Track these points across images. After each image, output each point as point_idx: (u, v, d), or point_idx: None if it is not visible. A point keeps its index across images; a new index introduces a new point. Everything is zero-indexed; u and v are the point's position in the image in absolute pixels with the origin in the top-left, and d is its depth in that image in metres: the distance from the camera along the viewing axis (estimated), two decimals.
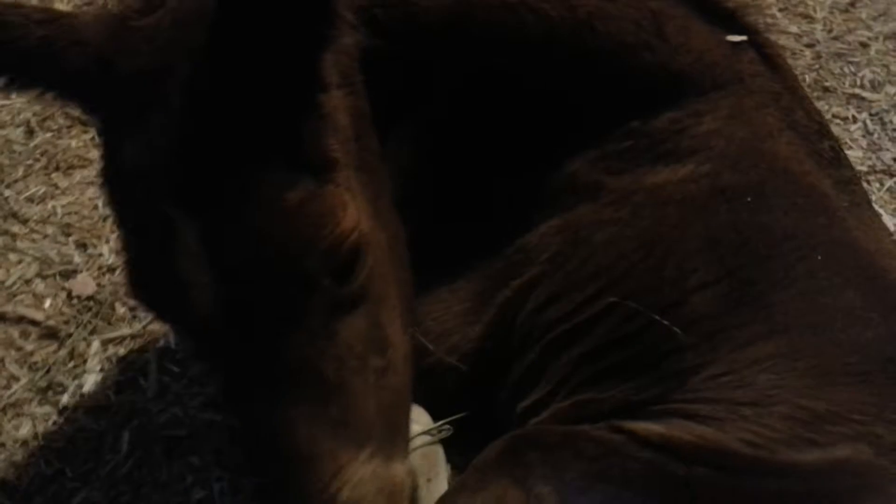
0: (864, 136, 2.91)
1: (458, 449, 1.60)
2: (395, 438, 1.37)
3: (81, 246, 2.45)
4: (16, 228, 2.50)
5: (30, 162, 2.72)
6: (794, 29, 3.39)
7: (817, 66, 3.22)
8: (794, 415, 1.32)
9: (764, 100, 1.66)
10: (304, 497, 1.22)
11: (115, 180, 1.32)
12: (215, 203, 1.19)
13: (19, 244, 2.44)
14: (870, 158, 2.81)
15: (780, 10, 3.50)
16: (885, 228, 1.74)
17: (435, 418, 1.63)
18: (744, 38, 1.69)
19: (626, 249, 1.53)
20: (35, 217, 2.54)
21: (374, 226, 1.36)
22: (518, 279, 1.65)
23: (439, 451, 1.82)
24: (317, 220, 1.21)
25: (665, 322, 1.42)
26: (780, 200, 1.54)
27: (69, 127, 2.86)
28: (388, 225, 1.45)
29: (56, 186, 2.66)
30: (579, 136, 1.65)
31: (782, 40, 3.26)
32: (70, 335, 2.21)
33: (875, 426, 1.30)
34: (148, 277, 1.29)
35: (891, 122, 2.91)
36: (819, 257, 1.47)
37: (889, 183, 2.69)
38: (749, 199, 1.52)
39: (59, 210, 2.56)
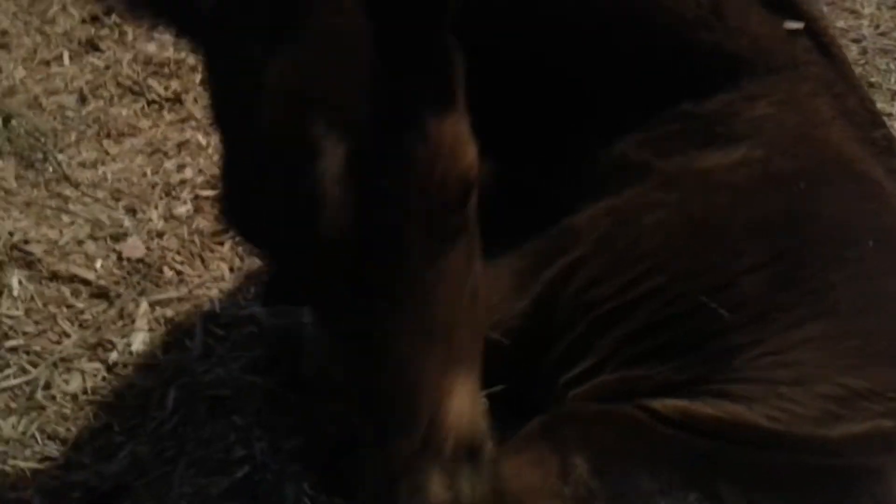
0: None
1: (495, 423, 1.64)
2: (478, 359, 1.40)
3: (131, 211, 2.52)
4: (68, 192, 2.57)
5: (82, 128, 2.80)
6: (840, 24, 3.38)
7: (863, 62, 3.21)
8: (831, 393, 1.36)
9: (817, 87, 1.67)
10: (411, 419, 1.25)
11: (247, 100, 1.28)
12: (368, 129, 1.20)
13: (71, 207, 2.51)
14: None
15: (828, 4, 3.48)
16: None
17: None
18: (800, 25, 1.69)
19: (675, 232, 1.56)
20: (86, 181, 2.61)
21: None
22: (565, 257, 1.68)
23: None
24: (454, 149, 1.25)
25: (712, 304, 1.45)
26: (831, 187, 1.56)
27: (121, 96, 2.93)
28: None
29: (107, 153, 2.73)
30: (630, 116, 1.67)
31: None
32: (119, 295, 2.28)
33: None
34: (262, 198, 1.27)
35: None
36: (870, 243, 1.49)
37: None
38: (801, 184, 1.54)
39: (109, 176, 2.63)
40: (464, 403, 1.29)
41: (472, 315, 1.36)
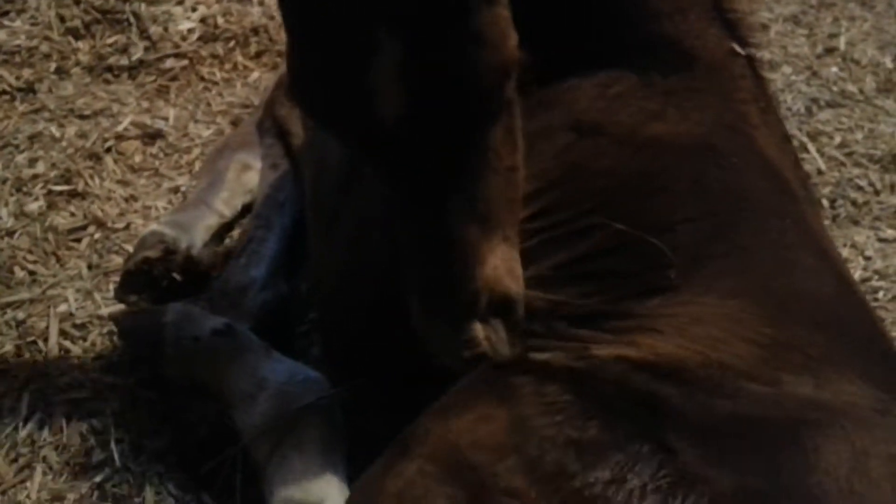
0: None
1: None
2: (515, 230, 1.59)
3: None
4: None
5: None
6: None
7: None
8: (756, 339, 1.45)
9: (748, 97, 1.88)
10: (457, 276, 1.46)
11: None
12: (422, 26, 1.37)
13: None
14: None
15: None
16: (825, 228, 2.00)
17: None
18: (745, 52, 1.91)
19: (623, 179, 1.69)
20: None
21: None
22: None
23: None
24: (499, 39, 1.42)
25: (651, 239, 1.56)
26: (758, 172, 1.74)
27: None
28: None
29: None
30: (587, 87, 1.80)
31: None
32: None
33: (822, 364, 1.44)
34: (327, 86, 1.46)
35: (784, 101, 3.06)
36: (787, 221, 1.67)
37: None
38: (734, 160, 1.71)
39: None
40: (499, 266, 1.50)
41: (509, 187, 1.55)
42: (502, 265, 1.51)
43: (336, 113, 1.50)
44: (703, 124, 1.78)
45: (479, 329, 1.47)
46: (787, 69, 3.25)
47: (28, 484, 1.90)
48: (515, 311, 1.53)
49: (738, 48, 1.93)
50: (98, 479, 1.88)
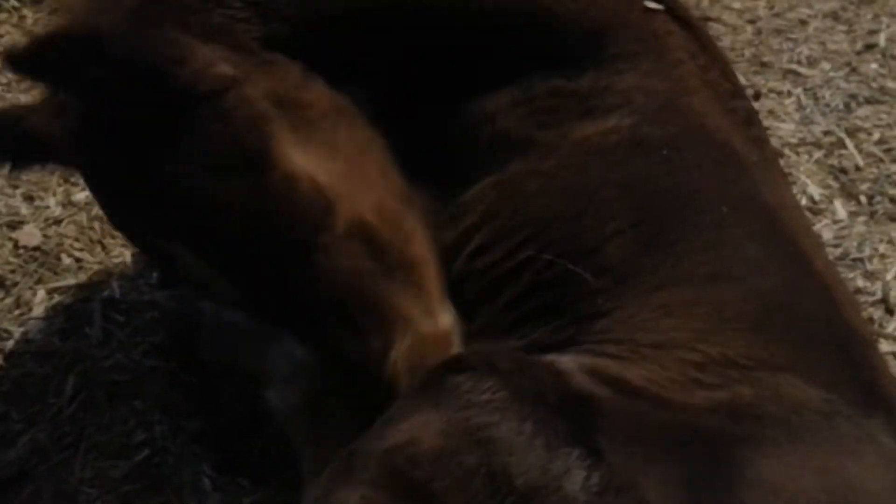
0: (797, 111, 3.02)
1: None
2: (430, 303, 1.55)
3: (28, 198, 2.48)
4: None
5: None
6: (737, 5, 3.49)
7: (757, 42, 3.33)
8: (689, 358, 1.41)
9: (680, 56, 1.74)
10: (368, 385, 1.45)
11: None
12: (192, 228, 1.43)
13: None
14: (801, 131, 2.93)
15: None
16: (789, 185, 1.85)
17: None
18: (660, 6, 1.77)
19: (553, 199, 1.62)
20: None
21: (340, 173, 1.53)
22: (454, 230, 1.73)
23: None
24: (276, 198, 1.43)
25: (575, 268, 1.51)
26: (692, 154, 1.63)
27: (18, 81, 2.87)
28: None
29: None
30: (508, 93, 1.72)
31: (725, 16, 3.36)
32: (16, 284, 2.26)
33: (760, 371, 1.39)
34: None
35: (823, 97, 3.03)
36: (725, 209, 1.56)
37: (817, 155, 2.82)
38: (664, 151, 1.61)
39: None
40: (407, 350, 1.47)
41: (397, 278, 1.52)
42: (419, 345, 1.50)
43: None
44: (630, 113, 1.66)
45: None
46: (825, 65, 3.22)
47: (73, 462, 1.96)
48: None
49: (651, 3, 1.78)
50: (138, 458, 1.94)
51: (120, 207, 1.59)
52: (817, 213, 2.59)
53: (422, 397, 1.36)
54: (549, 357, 1.43)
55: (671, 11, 1.80)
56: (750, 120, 1.81)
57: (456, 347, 1.54)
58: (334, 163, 1.51)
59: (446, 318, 1.56)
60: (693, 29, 1.82)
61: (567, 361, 1.40)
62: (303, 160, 1.46)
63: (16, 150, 1.54)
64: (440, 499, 1.22)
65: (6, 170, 2.44)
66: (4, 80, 2.87)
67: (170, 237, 1.46)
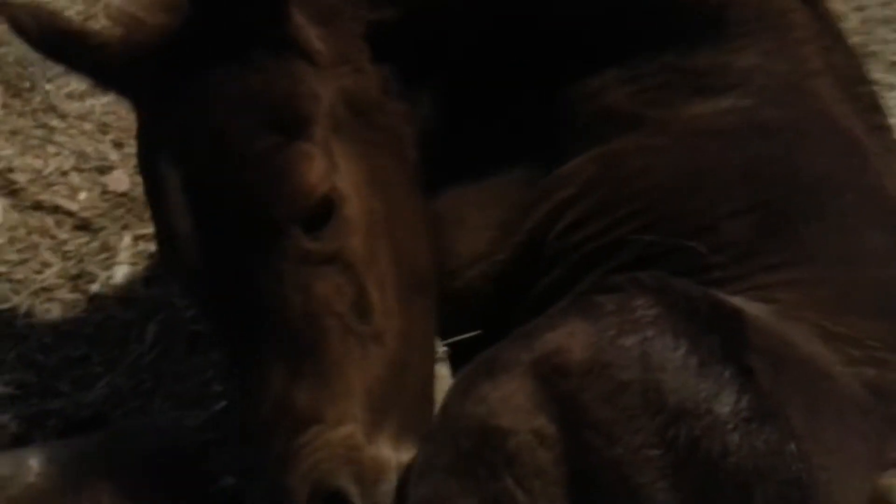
0: None
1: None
2: (384, 420, 1.35)
3: (118, 145, 2.50)
4: (55, 122, 2.55)
5: None
6: None
7: (864, 31, 3.18)
8: (813, 332, 1.38)
9: (805, 36, 1.67)
10: (272, 461, 1.26)
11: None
12: (196, 158, 1.36)
13: (57, 137, 2.50)
14: None
15: None
16: None
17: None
18: None
19: (661, 175, 1.57)
20: (73, 113, 2.59)
21: (365, 192, 1.45)
22: (549, 202, 1.70)
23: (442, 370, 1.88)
24: (280, 170, 1.33)
25: (691, 244, 1.46)
26: (816, 140, 1.57)
27: (110, 27, 2.88)
28: (392, 197, 1.52)
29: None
30: (615, 70, 1.67)
31: (831, 2, 3.21)
32: (103, 228, 2.28)
33: (887, 353, 1.37)
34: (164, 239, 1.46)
35: None
36: (849, 197, 1.53)
37: None
38: (787, 135, 1.56)
39: (97, 108, 2.61)
40: (336, 450, 1.27)
41: (369, 353, 1.36)
42: (345, 453, 1.28)
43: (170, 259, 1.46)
44: (749, 93, 1.61)
45: None
46: None
47: (149, 409, 1.98)
48: None
49: None
50: (215, 409, 1.94)
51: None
52: None
53: (569, 312, 1.32)
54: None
55: None
56: (874, 107, 1.73)
57: (381, 484, 1.33)
58: (359, 177, 1.45)
59: (385, 447, 1.36)
60: (817, 8, 1.73)
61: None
62: (329, 155, 1.41)
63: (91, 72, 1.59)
64: (587, 409, 1.19)
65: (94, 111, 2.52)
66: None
67: (171, 156, 1.41)
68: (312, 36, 1.47)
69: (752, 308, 1.36)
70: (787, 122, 1.58)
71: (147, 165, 1.46)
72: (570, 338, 1.25)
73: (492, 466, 1.21)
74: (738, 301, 1.34)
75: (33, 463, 1.64)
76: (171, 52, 1.42)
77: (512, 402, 1.24)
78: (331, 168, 1.39)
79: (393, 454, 1.35)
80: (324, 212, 1.36)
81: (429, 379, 1.51)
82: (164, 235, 1.43)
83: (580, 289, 1.46)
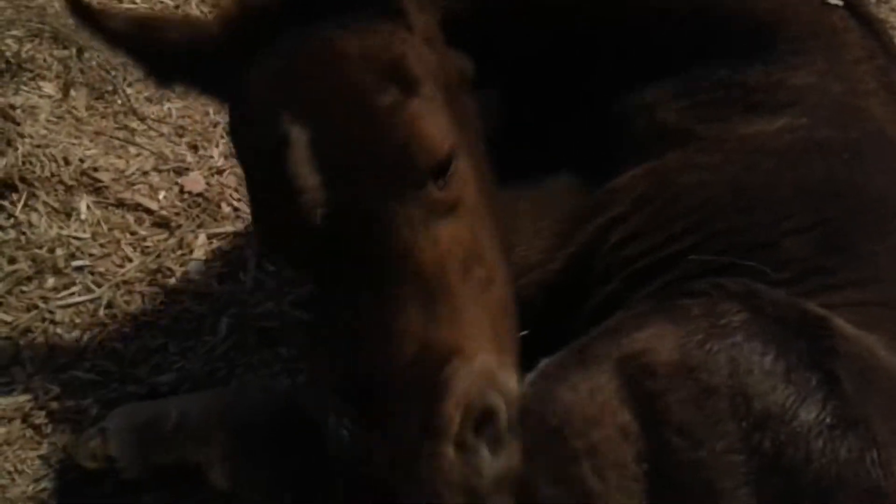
0: None
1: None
2: (504, 352, 1.41)
3: (193, 147, 2.63)
4: (134, 124, 2.69)
5: None
6: None
7: None
8: (890, 345, 1.37)
9: (859, 55, 1.68)
10: (417, 381, 1.28)
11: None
12: (322, 114, 1.37)
13: (137, 139, 2.63)
14: None
15: None
16: None
17: None
18: (839, 1, 1.71)
19: (716, 192, 1.59)
20: (152, 116, 2.73)
21: (462, 145, 1.50)
22: (602, 217, 1.73)
23: None
24: (406, 123, 1.37)
25: (753, 263, 1.47)
26: (873, 160, 1.58)
27: None
28: (475, 155, 1.57)
29: (171, 90, 2.84)
30: (669, 84, 1.71)
31: (892, 18, 3.23)
32: (180, 226, 2.41)
33: None
34: (266, 205, 1.46)
35: None
36: None
37: None
38: (844, 155, 1.57)
39: (174, 112, 2.74)
40: (471, 373, 1.30)
41: (487, 295, 1.42)
42: (485, 378, 1.33)
43: (281, 232, 1.46)
44: (804, 112, 1.61)
45: (448, 454, 1.25)
46: None
47: None
48: (499, 424, 1.31)
49: (830, 1, 1.69)
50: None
51: None
52: None
53: (655, 314, 1.35)
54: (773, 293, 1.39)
55: (850, 7, 1.73)
56: None
57: (513, 407, 1.37)
58: (461, 139, 1.50)
59: (514, 376, 1.43)
60: (873, 27, 1.75)
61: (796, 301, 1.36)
62: (444, 111, 1.47)
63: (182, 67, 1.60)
64: (672, 411, 1.21)
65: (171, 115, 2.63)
66: None
67: (298, 117, 1.40)
68: (414, 9, 1.52)
69: (835, 317, 1.36)
70: (843, 141, 1.59)
71: (259, 128, 1.44)
72: (658, 339, 1.27)
73: (573, 451, 1.24)
74: (822, 310, 1.34)
75: (172, 412, 1.82)
76: (287, 13, 1.44)
77: (600, 394, 1.27)
78: (448, 122, 1.46)
79: (517, 383, 1.41)
80: (447, 162, 1.41)
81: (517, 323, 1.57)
82: (281, 196, 1.40)
83: (638, 299, 1.48)
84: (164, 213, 2.43)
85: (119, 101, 2.75)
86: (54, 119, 2.62)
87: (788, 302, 1.33)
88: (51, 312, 2.23)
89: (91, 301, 2.26)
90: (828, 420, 1.19)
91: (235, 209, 2.46)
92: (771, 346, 1.24)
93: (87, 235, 2.37)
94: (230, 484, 1.80)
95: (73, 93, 2.70)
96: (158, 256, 2.34)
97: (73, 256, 2.33)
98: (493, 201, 1.59)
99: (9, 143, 2.45)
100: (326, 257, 1.40)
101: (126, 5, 2.97)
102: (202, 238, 2.38)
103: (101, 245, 2.36)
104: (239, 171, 2.55)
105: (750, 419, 1.19)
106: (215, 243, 2.38)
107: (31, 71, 2.70)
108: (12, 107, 2.57)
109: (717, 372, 1.22)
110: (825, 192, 1.55)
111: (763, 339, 1.25)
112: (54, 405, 2.06)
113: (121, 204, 2.44)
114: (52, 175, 2.45)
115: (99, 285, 2.29)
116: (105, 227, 2.39)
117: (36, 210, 2.39)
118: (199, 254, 2.35)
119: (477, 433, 1.28)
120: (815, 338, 1.27)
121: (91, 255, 2.34)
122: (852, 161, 1.58)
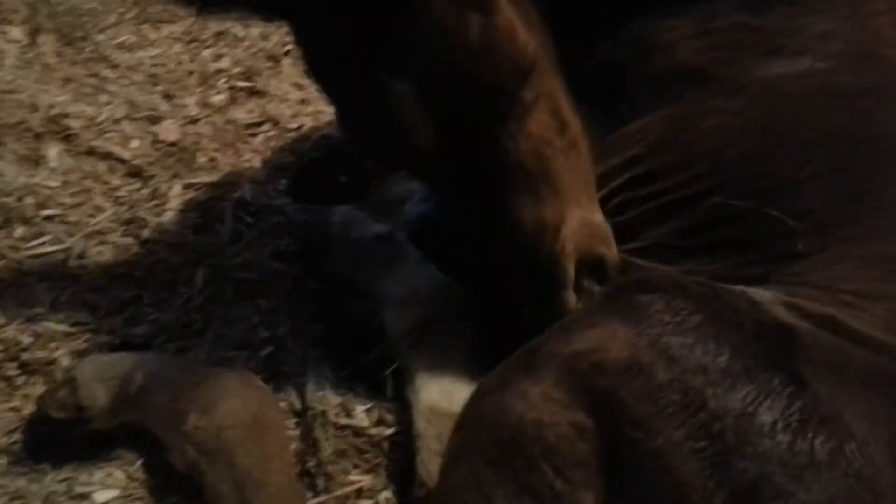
0: None
1: None
2: (591, 198, 1.62)
3: (167, 96, 2.56)
4: (106, 72, 2.61)
5: (122, 10, 2.82)
6: None
7: None
8: (893, 314, 1.37)
9: (881, 7, 1.67)
10: (538, 253, 1.53)
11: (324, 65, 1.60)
12: (420, 61, 1.44)
13: (109, 87, 2.56)
14: None
15: None
16: None
17: None
18: None
19: (736, 136, 1.59)
20: (124, 63, 2.65)
21: (534, 38, 1.57)
22: (617, 158, 1.72)
23: None
24: (497, 43, 1.47)
25: (772, 211, 1.47)
26: (893, 108, 1.56)
27: None
28: (539, 35, 1.63)
29: (145, 38, 2.76)
30: (688, 21, 1.70)
31: None
32: (153, 176, 2.34)
33: None
34: (366, 136, 1.61)
35: None
36: None
37: None
38: (864, 102, 1.56)
39: (147, 60, 2.67)
40: (584, 231, 1.56)
41: (572, 162, 1.59)
42: (586, 230, 1.58)
43: (378, 150, 1.67)
44: (825, 57, 1.60)
45: (571, 299, 1.56)
46: None
47: (198, 348, 2.05)
48: (608, 273, 1.59)
49: None
50: (263, 353, 2.02)
51: (334, 47, 1.58)
52: None
53: (607, 310, 1.35)
54: (739, 287, 1.40)
55: None
56: None
57: (612, 246, 1.61)
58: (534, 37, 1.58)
59: (601, 215, 1.64)
60: None
61: (761, 293, 1.38)
62: (517, 20, 1.54)
63: None
64: (625, 405, 1.21)
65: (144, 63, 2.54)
66: None
67: (397, 72, 1.48)
68: None
69: (814, 308, 1.34)
70: (863, 88, 1.57)
71: (360, 80, 1.51)
72: (609, 338, 1.27)
73: (529, 458, 1.23)
74: (788, 317, 1.32)
75: (137, 375, 1.81)
76: None
77: (550, 396, 1.26)
78: (523, 24, 1.54)
79: (601, 217, 1.64)
80: (533, 66, 1.52)
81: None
82: (385, 134, 1.54)
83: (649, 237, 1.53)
84: (137, 162, 2.36)
85: (89, 48, 2.67)
86: (21, 64, 2.53)
87: (749, 309, 1.31)
88: (20, 262, 2.17)
89: (62, 251, 2.20)
90: (797, 416, 1.17)
91: (211, 159, 2.40)
92: (725, 348, 1.22)
93: (57, 184, 2.30)
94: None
95: (40, 38, 2.61)
96: (132, 207, 2.28)
97: (42, 206, 2.26)
98: (555, 64, 1.66)
99: None
100: (441, 173, 1.59)
101: None
102: (177, 188, 2.32)
103: (73, 194, 2.29)
104: (216, 120, 2.51)
105: (705, 412, 1.18)
106: (190, 194, 2.32)
107: None
108: None
109: (668, 369, 1.21)
110: (845, 139, 1.54)
111: (717, 341, 1.23)
112: (26, 356, 2.00)
113: (92, 152, 2.37)
114: (21, 121, 2.37)
115: (70, 235, 2.22)
116: (76, 176, 2.32)
117: (3, 157, 2.31)
118: (173, 204, 2.29)
119: (590, 278, 1.58)
120: (775, 344, 1.25)
121: (62, 204, 2.27)
122: (872, 108, 1.56)
